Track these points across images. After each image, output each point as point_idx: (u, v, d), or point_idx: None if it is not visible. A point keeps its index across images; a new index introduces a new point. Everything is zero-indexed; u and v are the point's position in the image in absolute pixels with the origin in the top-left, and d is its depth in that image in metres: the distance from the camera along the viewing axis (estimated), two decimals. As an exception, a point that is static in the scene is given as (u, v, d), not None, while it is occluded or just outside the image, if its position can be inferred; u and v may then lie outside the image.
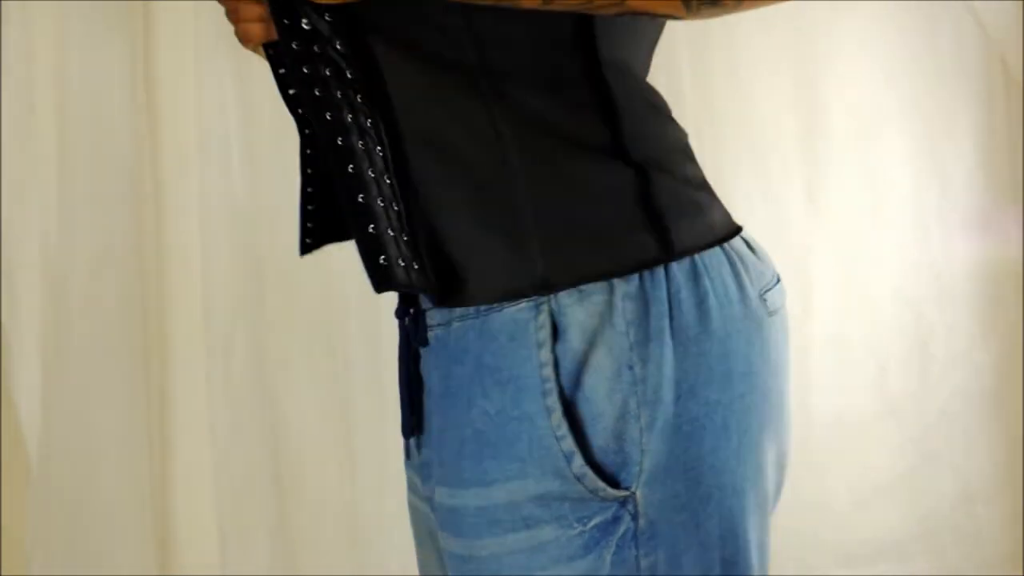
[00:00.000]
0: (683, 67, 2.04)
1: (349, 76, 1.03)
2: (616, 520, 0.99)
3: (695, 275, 1.01)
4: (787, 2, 0.97)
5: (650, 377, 0.98)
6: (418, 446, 1.13)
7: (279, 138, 1.95)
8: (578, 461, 0.98)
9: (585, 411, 0.98)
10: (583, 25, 1.05)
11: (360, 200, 0.99)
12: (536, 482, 0.99)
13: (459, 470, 1.02)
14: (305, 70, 1.03)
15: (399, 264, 0.99)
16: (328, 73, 1.03)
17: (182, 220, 1.94)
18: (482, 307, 1.01)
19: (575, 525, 0.99)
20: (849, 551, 2.19)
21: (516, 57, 1.04)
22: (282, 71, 1.14)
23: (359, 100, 1.03)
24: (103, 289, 1.98)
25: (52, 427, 1.96)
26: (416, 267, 1.00)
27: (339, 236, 1.16)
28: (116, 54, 1.90)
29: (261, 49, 1.18)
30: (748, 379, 1.03)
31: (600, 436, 0.98)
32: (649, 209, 1.01)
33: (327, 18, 1.05)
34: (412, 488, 1.21)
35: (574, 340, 0.98)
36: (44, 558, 1.96)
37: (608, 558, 1.00)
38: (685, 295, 1.00)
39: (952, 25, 2.10)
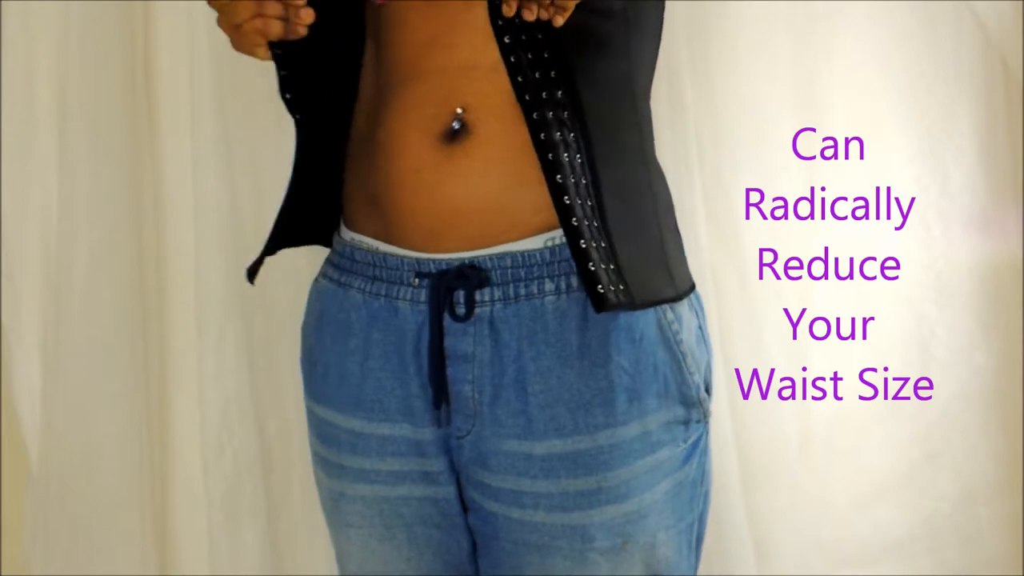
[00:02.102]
0: (683, 69, 2.03)
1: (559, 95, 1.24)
2: (700, 436, 1.34)
3: None
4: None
5: (706, 339, 1.36)
6: (447, 417, 1.29)
7: (274, 136, 1.95)
8: (702, 390, 1.32)
9: (695, 359, 1.31)
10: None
11: (582, 245, 1.21)
12: (667, 411, 1.28)
13: (587, 417, 1.25)
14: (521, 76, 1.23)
15: (610, 289, 1.21)
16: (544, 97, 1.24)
17: (180, 219, 1.94)
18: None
19: (681, 443, 1.31)
20: (850, 551, 2.19)
21: (645, 83, 1.35)
22: (283, 72, 1.23)
23: (571, 137, 1.24)
24: (103, 289, 1.98)
25: (52, 427, 1.96)
26: (622, 288, 1.23)
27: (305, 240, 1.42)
28: (116, 54, 1.90)
29: (263, 50, 1.20)
30: None
31: (700, 375, 1.32)
32: (680, 238, 1.39)
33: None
34: (393, 477, 1.34)
35: (682, 315, 1.31)
36: (44, 558, 1.96)
37: (694, 464, 1.33)
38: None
39: (952, 24, 2.09)
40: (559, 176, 1.21)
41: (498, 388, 1.26)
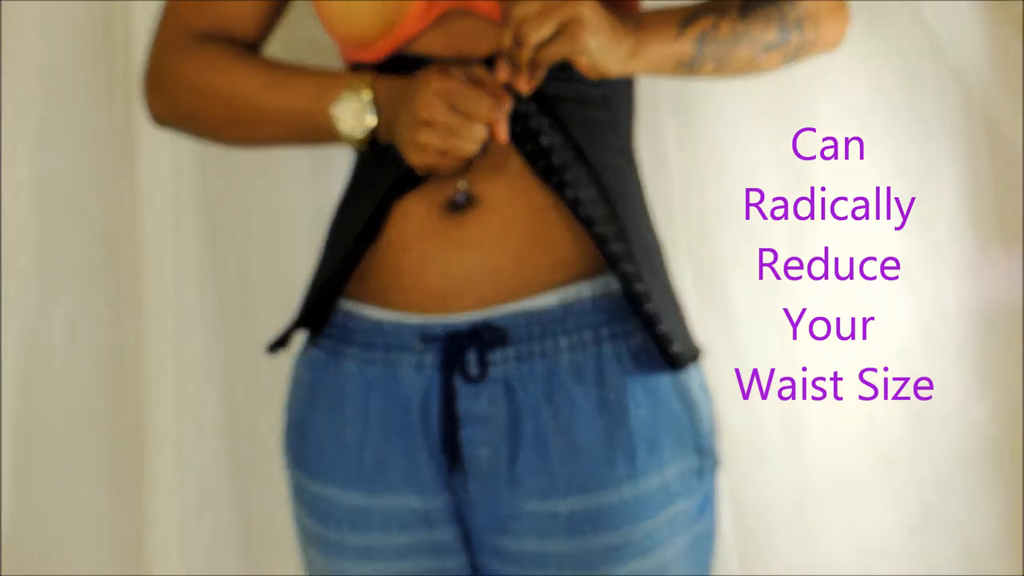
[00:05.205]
0: (668, 130, 2.04)
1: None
2: (711, 488, 1.34)
3: None
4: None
5: (706, 390, 1.35)
6: (464, 483, 1.25)
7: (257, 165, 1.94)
8: (712, 438, 1.33)
9: (703, 407, 1.32)
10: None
11: (648, 309, 1.23)
12: (682, 460, 1.28)
13: (609, 471, 1.24)
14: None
15: (676, 346, 1.24)
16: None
17: (160, 280, 1.92)
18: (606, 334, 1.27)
19: (695, 495, 1.30)
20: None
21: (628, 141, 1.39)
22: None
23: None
24: (80, 357, 1.96)
25: (23, 496, 1.94)
26: (679, 347, 1.25)
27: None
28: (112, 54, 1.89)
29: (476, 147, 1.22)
30: None
31: (707, 423, 1.33)
32: None
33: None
34: (398, 552, 1.30)
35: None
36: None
37: (707, 516, 1.33)
38: None
39: (931, 77, 2.11)
40: (609, 246, 1.22)
41: (516, 448, 1.23)
